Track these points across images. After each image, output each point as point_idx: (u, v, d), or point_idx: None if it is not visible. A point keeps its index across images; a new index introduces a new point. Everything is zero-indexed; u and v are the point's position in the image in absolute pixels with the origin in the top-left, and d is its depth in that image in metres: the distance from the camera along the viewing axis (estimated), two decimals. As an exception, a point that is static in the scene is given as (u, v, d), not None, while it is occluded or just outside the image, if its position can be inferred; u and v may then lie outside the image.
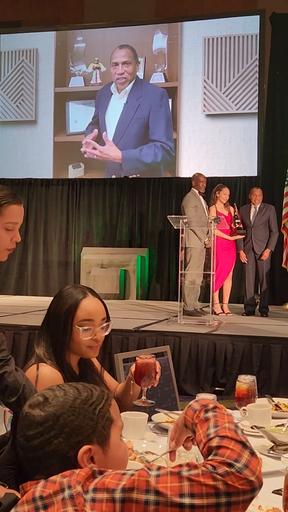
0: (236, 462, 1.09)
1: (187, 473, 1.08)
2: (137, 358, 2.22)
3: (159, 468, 1.09)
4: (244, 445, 1.13)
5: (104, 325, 2.14)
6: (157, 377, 2.21)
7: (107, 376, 2.39)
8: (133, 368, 2.25)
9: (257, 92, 9.80)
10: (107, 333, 2.16)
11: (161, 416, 2.32)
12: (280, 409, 2.45)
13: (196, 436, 1.25)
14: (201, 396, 2.02)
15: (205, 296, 8.21)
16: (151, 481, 1.07)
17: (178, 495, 1.05)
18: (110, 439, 1.25)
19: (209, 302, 7.07)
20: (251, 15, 9.74)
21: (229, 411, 2.45)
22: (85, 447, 1.20)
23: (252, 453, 1.12)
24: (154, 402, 2.36)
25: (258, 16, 9.67)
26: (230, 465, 1.09)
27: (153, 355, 2.23)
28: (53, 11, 10.67)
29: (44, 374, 2.04)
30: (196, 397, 2.01)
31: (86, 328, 2.09)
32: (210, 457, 1.12)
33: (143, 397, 2.25)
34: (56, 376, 2.05)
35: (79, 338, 2.09)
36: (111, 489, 1.06)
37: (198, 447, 1.23)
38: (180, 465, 1.11)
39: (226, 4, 9.75)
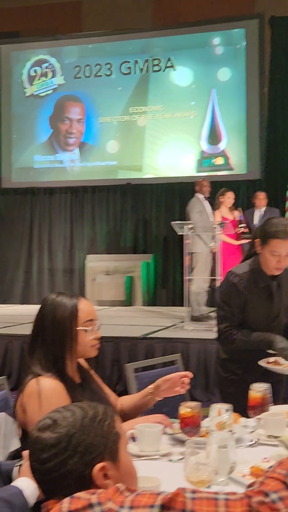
0: (273, 493, 1.10)
1: (223, 499, 1.09)
2: (180, 408, 2.16)
3: (194, 491, 1.10)
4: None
5: (99, 324, 2.22)
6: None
7: (106, 388, 2.38)
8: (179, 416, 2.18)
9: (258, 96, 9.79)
10: (100, 331, 2.24)
11: (175, 427, 2.31)
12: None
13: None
14: (217, 406, 2.01)
15: (211, 301, 8.19)
16: (187, 502, 1.08)
17: None
18: (120, 454, 1.27)
19: (215, 307, 7.04)
20: (249, 19, 9.75)
21: (243, 419, 2.45)
22: (100, 465, 1.21)
23: None
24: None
25: (258, 20, 9.67)
26: (266, 494, 1.10)
27: (198, 403, 2.16)
28: (50, 20, 10.69)
29: (46, 387, 2.02)
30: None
31: (90, 328, 2.16)
32: (249, 489, 1.14)
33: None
34: (58, 386, 2.04)
35: (84, 339, 2.14)
36: (149, 505, 1.08)
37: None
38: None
39: (224, 9, 9.73)
